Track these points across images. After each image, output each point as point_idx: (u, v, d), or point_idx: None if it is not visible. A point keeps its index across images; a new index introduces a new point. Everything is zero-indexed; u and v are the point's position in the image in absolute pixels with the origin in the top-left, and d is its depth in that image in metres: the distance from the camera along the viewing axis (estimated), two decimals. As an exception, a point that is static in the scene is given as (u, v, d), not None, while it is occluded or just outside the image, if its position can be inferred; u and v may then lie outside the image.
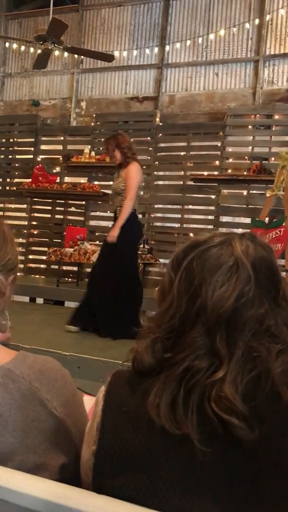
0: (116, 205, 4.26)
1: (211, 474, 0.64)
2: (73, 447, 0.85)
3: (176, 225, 6.90)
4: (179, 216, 6.87)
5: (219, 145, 6.66)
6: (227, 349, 0.67)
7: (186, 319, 0.71)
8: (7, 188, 7.95)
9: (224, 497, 0.63)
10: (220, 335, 0.68)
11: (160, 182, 7.05)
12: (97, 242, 6.88)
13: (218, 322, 0.68)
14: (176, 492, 0.64)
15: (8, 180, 8.03)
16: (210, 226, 6.70)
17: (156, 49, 7.19)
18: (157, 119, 7.05)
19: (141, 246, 6.31)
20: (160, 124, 7.04)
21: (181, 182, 6.84)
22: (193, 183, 6.70)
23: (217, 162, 6.70)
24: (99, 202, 7.26)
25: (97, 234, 7.29)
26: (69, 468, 0.82)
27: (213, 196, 6.66)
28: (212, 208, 6.70)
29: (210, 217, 6.74)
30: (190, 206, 6.83)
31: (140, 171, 4.25)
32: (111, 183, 7.18)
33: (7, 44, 8.10)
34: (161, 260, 6.37)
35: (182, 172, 6.85)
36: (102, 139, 7.32)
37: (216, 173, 6.62)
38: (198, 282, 0.71)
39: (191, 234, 6.66)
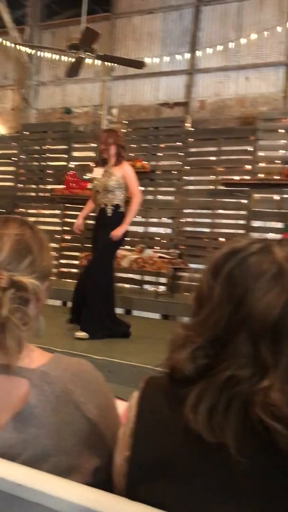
0: (104, 203, 4.13)
1: (248, 484, 0.63)
2: (106, 450, 0.85)
3: (207, 230, 6.85)
4: (210, 221, 6.82)
5: (250, 149, 6.59)
6: (273, 358, 0.66)
7: (229, 328, 0.70)
8: (41, 194, 8.09)
9: (261, 509, 0.62)
10: (265, 344, 0.67)
11: (191, 187, 7.03)
12: (128, 247, 6.90)
13: (264, 331, 0.67)
14: (211, 502, 0.64)
15: (41, 186, 8.17)
16: (242, 231, 6.63)
17: (186, 55, 7.20)
18: (188, 125, 7.04)
19: (171, 250, 6.31)
20: (191, 129, 7.03)
21: (212, 187, 6.80)
22: (224, 188, 6.66)
23: (248, 167, 6.63)
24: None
25: (127, 239, 7.31)
26: (102, 471, 0.83)
27: (244, 201, 6.59)
28: (243, 212, 6.63)
29: (242, 221, 6.66)
30: (221, 211, 6.78)
31: None
32: (141, 188, 7.26)
33: (40, 54, 8.27)
34: (192, 265, 6.34)
35: (213, 176, 6.81)
36: (134, 145, 7.39)
37: (247, 177, 6.56)
38: (241, 290, 0.70)
39: (222, 239, 6.61)
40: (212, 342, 0.71)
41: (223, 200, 6.71)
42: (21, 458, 0.76)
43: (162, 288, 6.65)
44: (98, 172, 4.17)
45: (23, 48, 8.08)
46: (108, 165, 4.15)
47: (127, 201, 4.29)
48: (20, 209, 8.14)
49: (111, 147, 4.12)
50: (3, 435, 0.77)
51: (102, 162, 4.24)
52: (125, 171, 4.11)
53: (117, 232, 4.05)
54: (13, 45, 8.14)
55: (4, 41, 8.32)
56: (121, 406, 1.34)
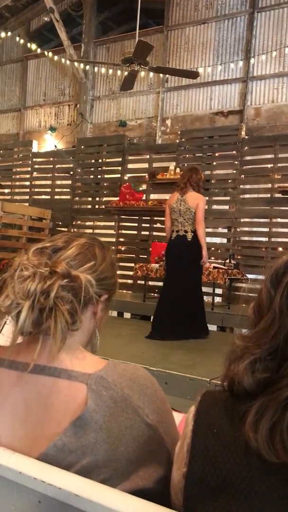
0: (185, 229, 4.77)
1: None
2: (165, 454, 0.84)
3: (264, 239, 6.71)
4: (267, 230, 6.68)
5: (308, 155, 6.41)
6: None
7: None
8: (97, 206, 8.26)
9: None
10: None
11: (247, 196, 6.92)
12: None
13: None
14: None
15: (97, 199, 8.34)
16: (301, 240, 6.43)
17: (241, 63, 7.14)
18: (243, 133, 6.96)
19: (227, 261, 6.22)
20: (246, 137, 6.94)
21: (269, 195, 6.66)
22: (282, 196, 6.50)
23: (307, 173, 6.44)
24: (185, 218, 7.28)
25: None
26: (161, 476, 0.82)
27: (303, 209, 6.40)
28: (302, 221, 6.43)
29: (301, 230, 6.47)
30: (279, 219, 6.61)
31: None
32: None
33: (95, 69, 8.49)
34: (249, 276, 6.21)
35: (270, 184, 6.67)
36: (187, 156, 7.39)
37: (306, 184, 6.37)
38: None
39: (280, 248, 6.44)
40: (272, 355, 0.68)
41: (281, 208, 6.55)
42: (81, 463, 0.76)
43: (218, 299, 6.56)
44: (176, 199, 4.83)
45: (79, 65, 8.33)
46: (186, 195, 4.79)
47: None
48: (77, 222, 8.35)
49: (195, 183, 4.84)
50: (63, 440, 0.77)
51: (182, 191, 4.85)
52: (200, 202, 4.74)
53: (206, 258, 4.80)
54: (69, 62, 8.42)
55: (62, 59, 8.64)
56: (178, 418, 1.32)
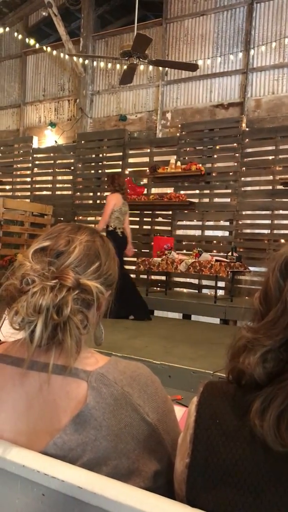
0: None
1: None
2: (165, 454, 0.84)
3: (266, 231, 6.69)
4: (269, 222, 6.66)
5: (310, 147, 6.37)
6: None
7: None
8: (98, 201, 8.25)
9: None
10: None
11: (248, 188, 6.90)
12: (184, 251, 6.88)
13: None
14: None
15: (98, 194, 8.33)
16: (303, 232, 6.41)
17: (240, 54, 7.10)
18: (243, 125, 6.93)
19: (229, 253, 6.22)
20: (247, 129, 6.91)
21: (270, 187, 6.64)
22: (283, 188, 6.48)
23: (308, 165, 6.41)
24: (186, 211, 7.27)
25: (184, 243, 7.30)
26: (161, 475, 0.82)
27: (305, 200, 6.37)
28: (304, 212, 6.41)
29: (303, 222, 6.45)
30: (281, 211, 6.59)
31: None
32: (197, 191, 7.24)
33: (95, 63, 8.46)
34: (251, 268, 6.21)
35: (271, 176, 6.65)
36: (188, 149, 7.36)
37: (307, 176, 6.34)
38: None
39: (283, 240, 6.43)
40: (284, 345, 0.67)
41: (283, 200, 6.52)
42: (82, 461, 0.76)
43: (220, 292, 6.56)
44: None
45: (78, 60, 8.29)
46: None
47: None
48: (78, 217, 8.34)
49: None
50: (63, 438, 0.77)
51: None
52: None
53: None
54: (68, 57, 8.38)
55: (60, 54, 8.60)
56: (180, 412, 1.32)
